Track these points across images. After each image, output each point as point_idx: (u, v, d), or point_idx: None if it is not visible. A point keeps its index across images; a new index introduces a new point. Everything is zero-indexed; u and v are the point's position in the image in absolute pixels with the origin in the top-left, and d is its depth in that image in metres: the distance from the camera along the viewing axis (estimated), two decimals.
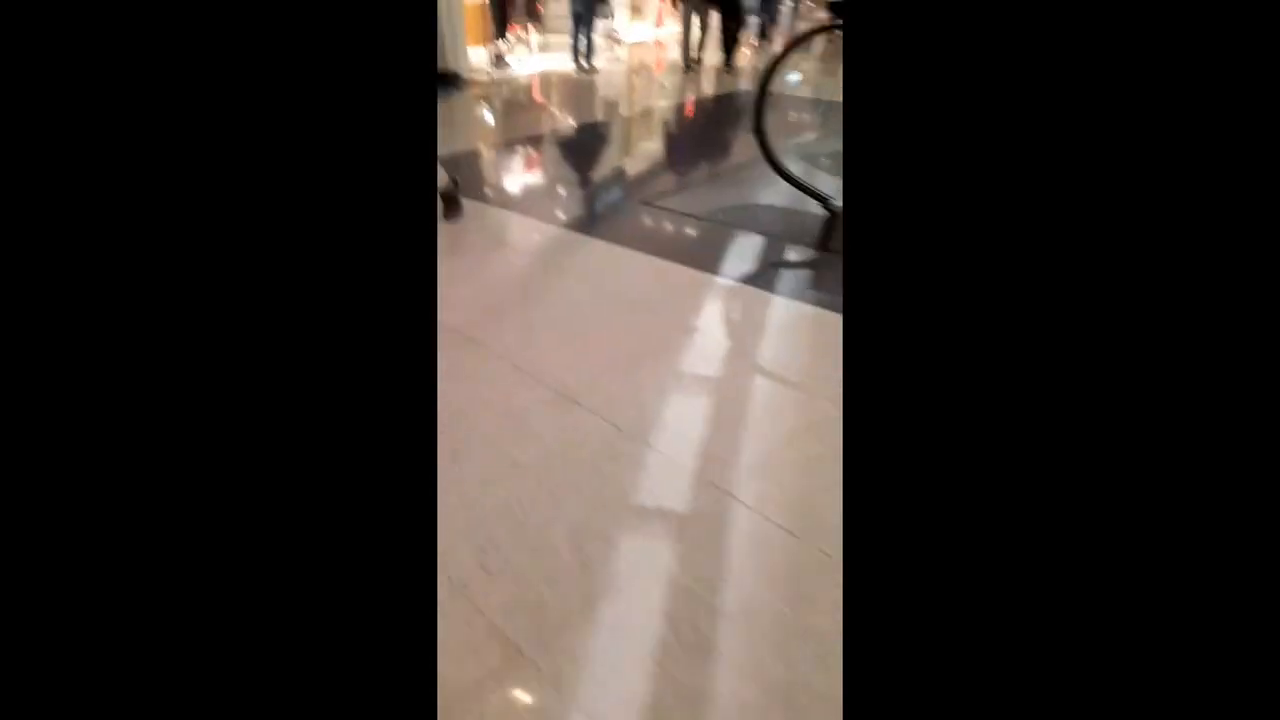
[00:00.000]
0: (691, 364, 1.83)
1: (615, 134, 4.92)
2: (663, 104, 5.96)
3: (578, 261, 2.52)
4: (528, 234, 2.81)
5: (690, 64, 7.50)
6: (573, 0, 6.89)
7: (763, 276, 2.41)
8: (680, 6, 7.47)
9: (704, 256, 2.55)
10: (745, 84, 6.75)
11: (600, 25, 7.77)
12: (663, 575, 1.18)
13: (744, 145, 4.46)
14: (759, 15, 9.61)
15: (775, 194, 3.29)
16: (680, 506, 1.34)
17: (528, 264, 2.49)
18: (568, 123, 5.21)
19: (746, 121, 5.28)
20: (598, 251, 2.62)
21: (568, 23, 7.14)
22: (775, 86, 2.83)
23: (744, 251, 2.63)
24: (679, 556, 1.22)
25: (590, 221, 2.97)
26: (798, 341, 1.97)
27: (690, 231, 2.84)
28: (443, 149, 4.26)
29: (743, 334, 2.00)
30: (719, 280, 2.36)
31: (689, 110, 5.75)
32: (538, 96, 6.32)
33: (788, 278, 2.40)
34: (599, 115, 5.59)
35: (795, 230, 2.85)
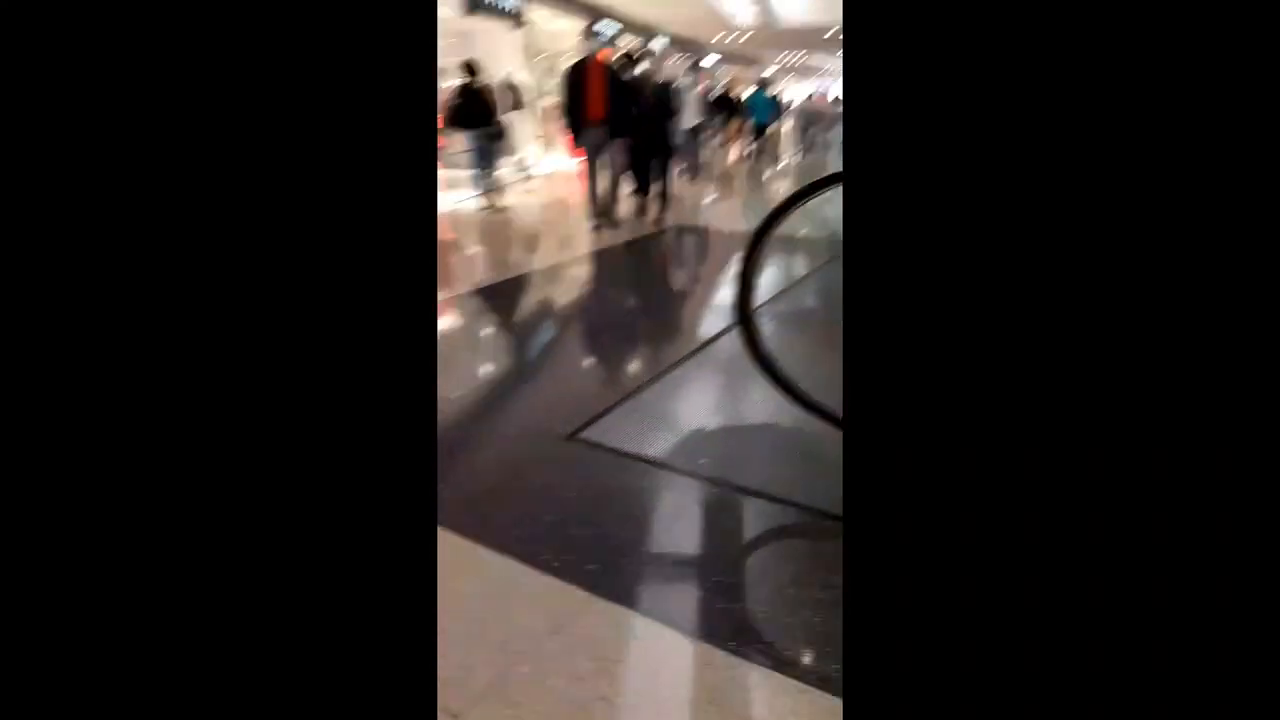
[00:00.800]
0: None
1: (521, 303, 3.84)
2: (587, 251, 4.96)
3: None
4: None
5: (601, 216, 5.54)
6: (469, 135, 6.37)
7: (740, 617, 1.31)
8: (584, 148, 5.36)
9: (659, 578, 1.44)
10: (677, 225, 5.91)
11: (504, 162, 7.03)
12: None
13: (704, 315, 3.47)
14: (685, 155, 7.88)
15: (764, 404, 2.27)
16: None
17: None
18: (454, 289, 3.98)
19: (700, 284, 4.16)
20: (478, 580, 1.45)
21: (472, 157, 6.40)
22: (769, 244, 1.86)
23: (719, 543, 1.53)
24: None
25: (467, 505, 1.81)
26: None
27: (637, 498, 1.72)
28: None
29: None
30: (689, 645, 1.23)
31: (623, 268, 4.78)
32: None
33: (784, 614, 1.29)
34: (503, 273, 4.50)
35: (794, 480, 1.79)
